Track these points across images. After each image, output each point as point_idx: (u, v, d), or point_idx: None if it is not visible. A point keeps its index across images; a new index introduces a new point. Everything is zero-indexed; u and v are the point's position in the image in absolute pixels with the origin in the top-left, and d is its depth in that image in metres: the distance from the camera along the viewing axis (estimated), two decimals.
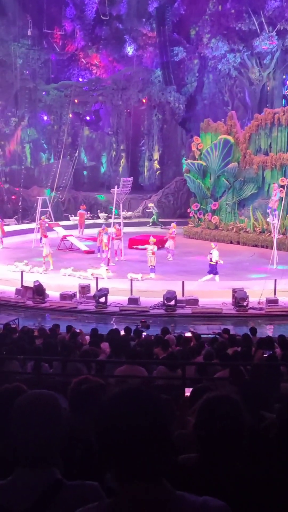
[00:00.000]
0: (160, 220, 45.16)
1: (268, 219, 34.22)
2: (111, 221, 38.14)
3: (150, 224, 45.19)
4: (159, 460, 2.16)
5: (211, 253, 27.98)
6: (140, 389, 2.29)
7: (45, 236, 31.96)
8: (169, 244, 33.37)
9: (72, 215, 46.32)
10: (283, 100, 48.86)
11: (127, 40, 53.38)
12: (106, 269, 28.31)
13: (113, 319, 23.71)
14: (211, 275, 27.77)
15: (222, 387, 3.97)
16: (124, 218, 39.33)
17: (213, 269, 27.80)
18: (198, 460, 2.86)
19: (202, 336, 16.93)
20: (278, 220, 33.44)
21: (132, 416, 2.17)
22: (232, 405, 2.87)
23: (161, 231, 40.14)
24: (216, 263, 27.65)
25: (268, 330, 21.95)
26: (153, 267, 28.84)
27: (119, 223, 35.24)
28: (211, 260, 27.82)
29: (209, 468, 2.76)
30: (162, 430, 2.19)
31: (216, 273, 27.77)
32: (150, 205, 45.92)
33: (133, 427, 2.15)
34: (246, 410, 2.90)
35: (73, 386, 5.16)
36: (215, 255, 27.82)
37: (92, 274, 27.62)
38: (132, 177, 40.05)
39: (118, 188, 36.74)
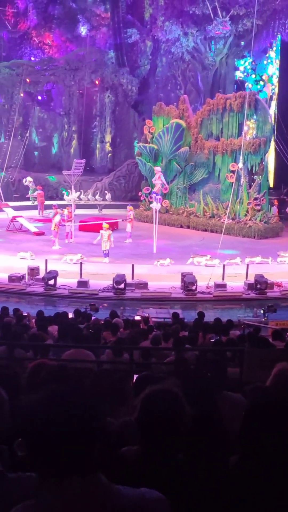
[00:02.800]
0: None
1: (151, 205, 34.35)
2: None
3: (31, 199, 44.95)
4: (91, 456, 2.19)
5: None
6: (65, 390, 2.31)
7: None
8: (127, 227, 33.62)
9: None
10: (235, 85, 49.08)
11: (80, 20, 52.74)
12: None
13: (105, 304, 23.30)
14: None
15: (164, 380, 4.01)
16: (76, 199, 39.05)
17: None
18: (139, 453, 2.90)
19: (152, 319, 17.08)
20: (161, 204, 34.02)
21: (58, 417, 2.19)
22: (173, 398, 2.91)
23: (111, 214, 40.14)
24: None
25: (215, 315, 22.17)
26: (107, 252, 28.78)
27: (70, 205, 35.06)
28: None
29: (150, 461, 2.80)
30: (90, 428, 2.22)
31: None
32: (29, 179, 45.49)
33: (61, 428, 2.17)
34: (187, 403, 2.95)
35: (30, 370, 5.13)
36: None
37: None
38: (84, 159, 39.83)
39: (70, 169, 36.55)
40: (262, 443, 2.65)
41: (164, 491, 2.33)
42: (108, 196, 46.92)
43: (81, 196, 46.40)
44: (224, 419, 3.60)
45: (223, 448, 3.17)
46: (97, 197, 46.63)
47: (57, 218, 32.14)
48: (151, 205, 34.33)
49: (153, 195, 33.82)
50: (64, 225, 32.84)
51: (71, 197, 44.49)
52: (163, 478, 2.68)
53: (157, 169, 34.91)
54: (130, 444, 3.24)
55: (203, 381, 4.41)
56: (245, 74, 49.24)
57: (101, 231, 29.32)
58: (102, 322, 15.58)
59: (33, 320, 15.80)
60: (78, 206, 40.87)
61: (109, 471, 2.30)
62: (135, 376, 5.63)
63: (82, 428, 2.19)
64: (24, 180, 45.86)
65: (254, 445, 2.72)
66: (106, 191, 47.45)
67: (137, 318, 17.19)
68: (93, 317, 16.53)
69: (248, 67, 48.19)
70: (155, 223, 31.90)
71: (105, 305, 22.51)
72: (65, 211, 33.57)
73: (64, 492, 2.17)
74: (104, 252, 28.72)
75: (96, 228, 32.80)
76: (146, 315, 18.45)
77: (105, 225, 29.75)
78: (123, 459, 2.93)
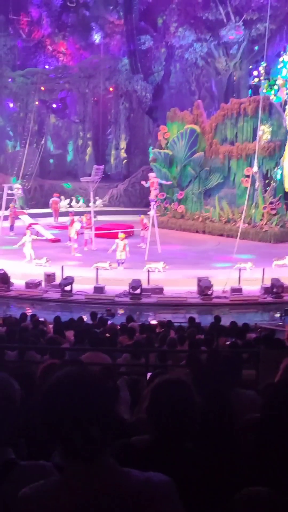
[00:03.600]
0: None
1: (149, 213, 34.06)
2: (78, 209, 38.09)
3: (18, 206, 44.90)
4: (102, 439, 2.24)
5: None
6: (83, 371, 2.36)
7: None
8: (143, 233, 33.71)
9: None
10: (249, 90, 49.02)
11: (94, 27, 53.09)
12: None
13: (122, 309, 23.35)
14: None
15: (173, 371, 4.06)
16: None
17: None
18: (150, 442, 2.93)
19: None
20: (155, 211, 33.72)
21: (73, 397, 2.25)
22: (182, 387, 2.94)
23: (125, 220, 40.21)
24: None
25: (232, 318, 22.12)
26: (122, 261, 28.62)
27: (89, 212, 35.08)
28: None
29: (161, 449, 2.83)
30: (103, 410, 2.27)
31: None
32: (17, 186, 45.29)
33: (75, 408, 2.23)
34: (197, 392, 2.97)
35: (42, 370, 5.23)
36: None
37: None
38: (103, 165, 40.00)
39: (86, 176, 36.62)
40: (279, 438, 2.63)
41: (173, 478, 2.36)
42: (98, 202, 46.68)
43: (72, 203, 46.27)
44: (238, 414, 3.61)
45: (232, 438, 3.18)
46: (90, 204, 46.42)
47: (77, 226, 32.19)
48: (148, 213, 34.17)
49: (152, 203, 33.72)
50: (83, 232, 32.88)
51: (62, 204, 44.60)
52: (172, 466, 2.70)
53: (152, 175, 34.94)
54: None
55: (213, 373, 4.43)
56: (259, 78, 49.16)
57: (116, 241, 29.23)
58: (118, 327, 15.62)
59: (50, 326, 15.86)
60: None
61: (119, 459, 2.34)
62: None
63: (95, 412, 2.24)
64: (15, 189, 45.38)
65: (271, 440, 2.70)
66: (96, 198, 47.20)
67: (153, 322, 17.20)
68: (109, 322, 16.58)
69: (262, 71, 48.10)
70: (156, 230, 32.15)
71: (122, 311, 22.58)
72: (84, 218, 33.62)
73: (72, 472, 2.22)
74: (118, 261, 28.61)
75: (112, 235, 32.95)
76: (164, 319, 18.47)
77: (121, 235, 29.65)
78: (134, 447, 2.96)
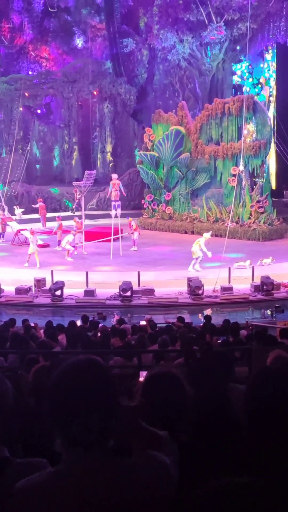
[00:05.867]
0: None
1: (111, 212, 33.93)
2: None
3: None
4: (104, 428, 2.26)
5: None
6: (91, 359, 2.38)
7: (32, 234, 30.76)
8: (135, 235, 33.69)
9: (17, 207, 45.53)
10: (233, 89, 49.17)
11: (76, 32, 53.04)
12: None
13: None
14: None
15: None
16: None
17: None
18: None
19: (158, 325, 17.07)
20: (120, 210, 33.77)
21: (82, 384, 2.28)
22: (172, 379, 2.95)
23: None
24: None
25: (223, 317, 22.15)
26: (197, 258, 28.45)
27: (79, 216, 34.97)
28: None
29: None
30: (108, 399, 2.30)
31: None
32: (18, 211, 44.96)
33: (80, 395, 2.25)
34: (193, 386, 2.98)
35: (34, 373, 5.25)
36: None
37: None
38: (95, 170, 39.99)
39: (73, 181, 36.55)
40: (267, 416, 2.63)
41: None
42: (16, 211, 45.47)
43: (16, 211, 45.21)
44: (233, 408, 3.61)
45: (231, 429, 3.19)
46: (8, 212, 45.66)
47: (70, 237, 32.01)
48: (110, 212, 34.23)
49: (114, 203, 33.79)
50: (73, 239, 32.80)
51: (17, 212, 44.21)
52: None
53: (114, 176, 35.12)
54: None
55: (207, 367, 4.43)
56: (242, 78, 49.34)
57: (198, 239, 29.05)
58: (109, 329, 15.62)
59: (41, 331, 15.83)
60: (22, 222, 41.01)
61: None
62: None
63: (100, 401, 2.28)
64: None
65: (260, 419, 2.69)
66: (14, 206, 45.67)
67: (143, 323, 17.22)
68: (100, 325, 16.57)
69: (245, 71, 48.31)
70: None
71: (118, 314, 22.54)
72: (74, 223, 33.52)
73: (71, 463, 2.24)
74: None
75: (103, 237, 33.14)
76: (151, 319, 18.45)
77: (207, 235, 29.42)
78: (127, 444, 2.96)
